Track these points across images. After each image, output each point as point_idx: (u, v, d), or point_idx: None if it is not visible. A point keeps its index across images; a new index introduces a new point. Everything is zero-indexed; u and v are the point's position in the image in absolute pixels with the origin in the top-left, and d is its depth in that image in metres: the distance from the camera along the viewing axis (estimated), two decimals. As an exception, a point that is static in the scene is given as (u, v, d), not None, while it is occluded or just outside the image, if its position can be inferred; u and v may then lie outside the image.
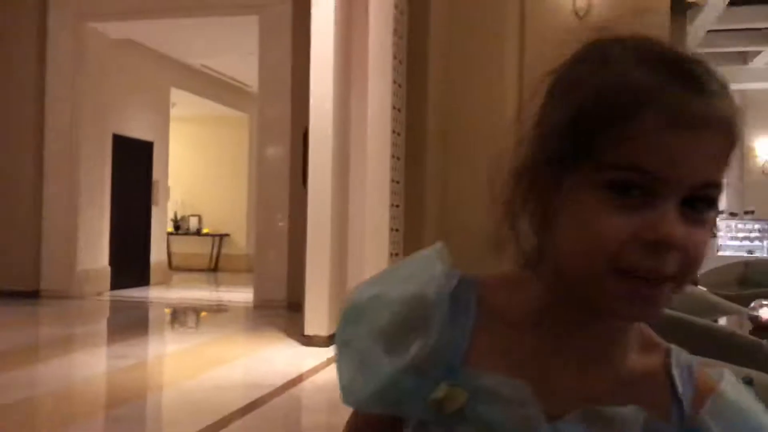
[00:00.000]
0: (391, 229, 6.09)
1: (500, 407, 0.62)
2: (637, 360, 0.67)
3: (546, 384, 0.63)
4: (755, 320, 2.74)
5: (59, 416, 4.05)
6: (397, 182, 6.27)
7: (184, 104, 11.56)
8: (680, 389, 0.66)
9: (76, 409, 4.20)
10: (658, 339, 0.69)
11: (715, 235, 0.65)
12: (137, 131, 9.91)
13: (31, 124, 8.42)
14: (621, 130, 0.58)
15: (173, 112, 11.09)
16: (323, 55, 5.62)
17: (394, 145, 6.10)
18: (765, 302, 2.79)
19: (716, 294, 3.76)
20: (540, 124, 0.64)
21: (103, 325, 7.55)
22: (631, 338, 0.66)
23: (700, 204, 0.59)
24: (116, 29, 8.75)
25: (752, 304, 2.78)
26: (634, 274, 0.58)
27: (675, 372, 0.67)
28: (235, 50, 9.65)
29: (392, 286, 0.68)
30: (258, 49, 8.22)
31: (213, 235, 13.22)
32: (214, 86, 11.69)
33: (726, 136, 0.60)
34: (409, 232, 6.45)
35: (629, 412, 0.63)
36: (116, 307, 8.48)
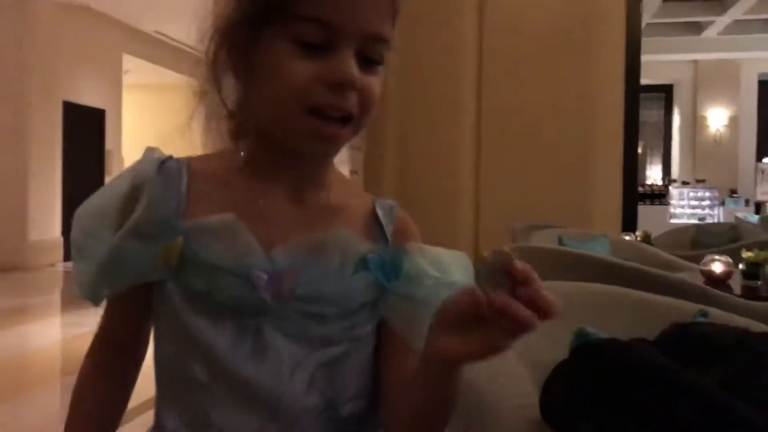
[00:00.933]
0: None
1: (213, 241, 0.70)
2: (345, 198, 0.77)
3: (261, 220, 0.72)
4: (708, 275, 2.82)
5: (14, 384, 3.98)
6: (359, 149, 6.23)
7: (137, 71, 11.27)
8: (383, 221, 0.77)
9: (32, 377, 4.14)
10: (363, 191, 0.81)
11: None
12: (88, 98, 9.64)
13: (-23, 91, 8.12)
14: None
15: (126, 79, 10.81)
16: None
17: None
18: (717, 258, 2.86)
19: (671, 253, 3.86)
20: None
21: (56, 296, 7.39)
22: (333, 179, 0.77)
23: (373, 56, 0.69)
24: (64, -8, 8.46)
25: (704, 260, 2.86)
26: (322, 113, 0.67)
27: (378, 209, 0.78)
28: (190, 15, 9.41)
29: (110, 186, 0.77)
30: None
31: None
32: (169, 53, 11.42)
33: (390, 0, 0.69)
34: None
35: (340, 234, 0.72)
36: (69, 277, 8.30)
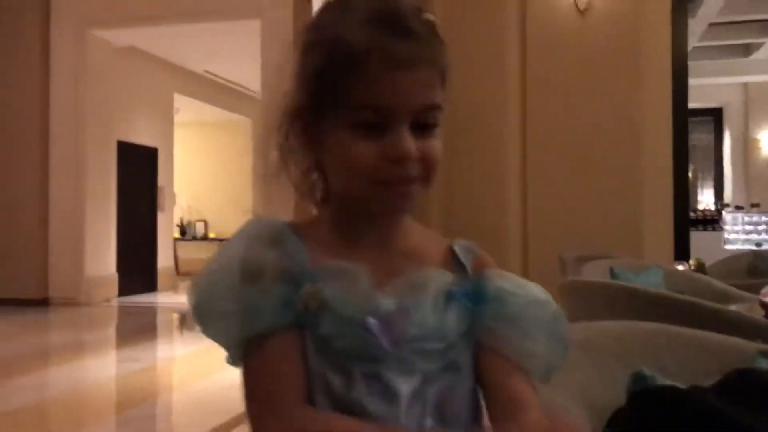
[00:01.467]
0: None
1: (340, 287, 0.75)
2: (425, 243, 0.84)
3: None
4: (766, 306, 2.74)
5: (71, 419, 4.07)
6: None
7: (187, 110, 11.59)
8: (462, 259, 0.83)
9: (88, 412, 4.21)
10: (441, 236, 0.87)
11: None
12: (142, 137, 9.94)
13: (36, 133, 8.45)
14: (352, 77, 0.74)
15: (177, 117, 11.12)
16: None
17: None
18: (775, 288, 2.78)
19: (727, 284, 3.76)
20: (299, 74, 0.80)
21: (112, 331, 7.56)
22: (412, 228, 0.84)
23: (427, 123, 0.77)
24: (118, 36, 8.78)
25: (763, 290, 2.77)
26: (389, 182, 0.75)
27: (457, 249, 0.85)
28: (237, 55, 9.67)
29: (227, 250, 0.79)
30: (260, 53, 8.24)
31: (219, 240, 13.23)
32: (217, 91, 11.72)
33: (434, 69, 0.77)
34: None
35: (429, 271, 0.79)
36: (124, 312, 8.50)
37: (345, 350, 0.74)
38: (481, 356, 0.79)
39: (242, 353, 0.77)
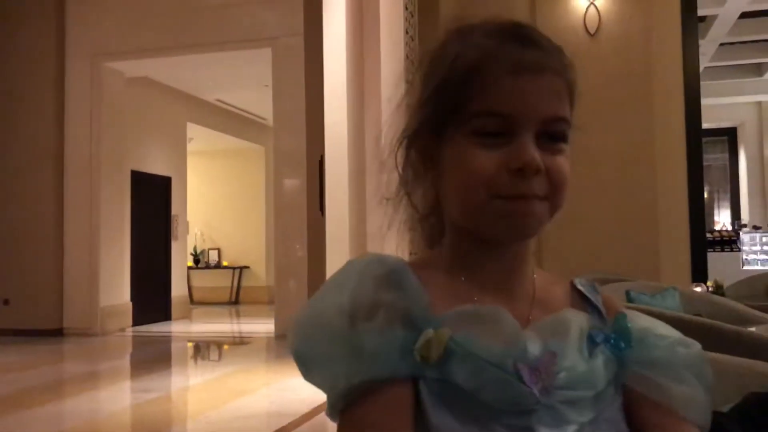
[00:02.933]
0: (410, 253, 6.07)
1: (479, 331, 0.68)
2: (547, 285, 0.78)
3: None
4: (786, 327, 2.69)
5: (85, 451, 4.04)
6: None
7: (200, 139, 11.69)
8: (592, 299, 0.78)
9: (102, 444, 4.19)
10: (560, 277, 0.81)
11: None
12: (155, 167, 10.02)
13: (52, 163, 8.54)
14: (475, 84, 0.70)
15: (190, 146, 11.22)
16: (336, 85, 5.66)
17: (410, 169, 6.10)
18: (795, 309, 2.73)
19: (746, 305, 3.70)
20: (419, 97, 0.76)
21: (126, 361, 7.55)
22: (532, 270, 0.77)
23: (554, 137, 0.72)
24: (131, 67, 8.90)
25: (782, 312, 2.73)
26: (509, 197, 0.70)
27: (581, 287, 0.79)
28: (249, 83, 9.76)
29: (337, 288, 0.70)
30: (272, 81, 8.31)
31: (233, 268, 13.25)
32: (229, 120, 11.82)
33: (560, 79, 0.73)
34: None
35: (570, 313, 0.74)
36: (139, 342, 8.49)
37: (486, 403, 0.66)
38: (636, 406, 0.73)
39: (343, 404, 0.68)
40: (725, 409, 1.01)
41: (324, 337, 0.68)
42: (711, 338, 1.98)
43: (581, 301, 0.78)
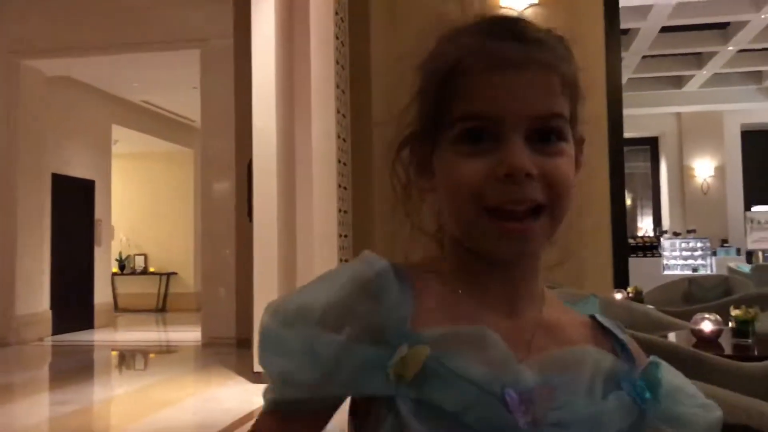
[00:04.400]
0: (340, 260, 6.04)
1: (464, 352, 0.62)
2: (559, 313, 0.71)
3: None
4: (698, 334, 2.77)
5: (-6, 469, 3.85)
6: (345, 212, 6.23)
7: (126, 141, 11.36)
8: (620, 336, 0.71)
9: (13, 460, 4.00)
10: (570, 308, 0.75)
11: (578, 167, 0.70)
12: (77, 170, 9.67)
13: (-35, 166, 8.15)
14: (457, 86, 0.65)
15: (115, 149, 10.89)
16: (265, 87, 5.59)
17: (340, 174, 6.07)
18: (707, 316, 2.82)
19: (662, 311, 3.82)
20: (410, 103, 0.71)
21: (44, 372, 7.25)
22: (541, 291, 0.71)
23: (551, 136, 0.65)
24: (52, 66, 8.57)
25: (694, 318, 2.82)
26: (502, 209, 0.64)
27: (605, 323, 0.72)
28: (177, 85, 9.55)
29: (323, 283, 0.66)
30: (200, 83, 8.15)
31: (160, 274, 12.92)
32: (157, 122, 11.54)
33: (551, 72, 0.66)
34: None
35: (589, 350, 0.67)
36: (59, 352, 8.17)
37: (473, 427, 0.61)
38: None
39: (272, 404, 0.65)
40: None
41: (290, 330, 0.64)
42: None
43: (603, 336, 0.71)
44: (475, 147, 0.64)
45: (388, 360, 0.61)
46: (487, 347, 0.63)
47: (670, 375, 0.69)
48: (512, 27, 0.67)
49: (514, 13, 0.72)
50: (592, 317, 0.73)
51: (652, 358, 0.70)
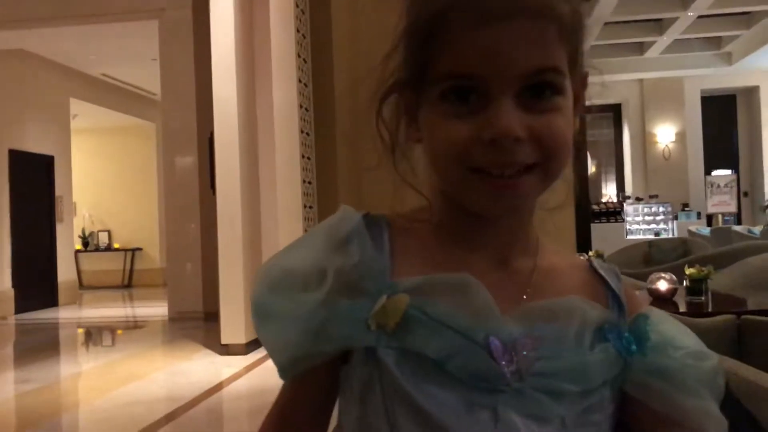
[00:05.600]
0: (305, 230, 6.03)
1: (446, 300, 0.61)
2: (555, 261, 0.69)
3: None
4: (654, 293, 2.84)
5: (-43, 447, 3.82)
6: (309, 183, 6.21)
7: (86, 115, 11.13)
8: (613, 285, 0.69)
9: (-23, 438, 3.97)
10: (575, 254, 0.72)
11: (577, 108, 0.66)
12: (36, 145, 9.47)
13: None
14: (439, 40, 0.60)
15: (75, 123, 10.66)
16: (224, 58, 5.50)
17: (303, 145, 6.03)
18: (662, 275, 2.89)
19: (622, 273, 3.89)
20: (392, 48, 0.66)
21: (8, 350, 7.15)
22: (535, 244, 0.69)
23: (545, 91, 0.60)
24: (5, 39, 8.33)
25: (650, 278, 2.88)
26: (488, 171, 0.60)
27: (601, 270, 0.71)
28: (136, 57, 9.36)
29: (302, 243, 0.67)
30: (159, 55, 8.00)
31: (125, 250, 12.78)
32: (116, 95, 11.31)
33: (543, 21, 0.59)
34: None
35: (576, 300, 0.65)
36: (22, 330, 8.07)
37: (455, 374, 0.60)
38: (642, 417, 0.66)
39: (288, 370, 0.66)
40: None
41: (276, 295, 0.63)
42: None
43: (600, 286, 0.70)
44: (460, 107, 0.60)
45: (369, 311, 0.61)
46: (470, 295, 0.62)
47: (663, 326, 0.68)
48: None
49: None
50: (590, 263, 0.71)
51: (642, 309, 0.69)
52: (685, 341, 0.68)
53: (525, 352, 0.61)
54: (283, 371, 0.66)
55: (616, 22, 11.16)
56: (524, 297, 0.65)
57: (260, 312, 0.65)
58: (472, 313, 0.61)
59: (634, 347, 0.66)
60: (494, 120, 0.58)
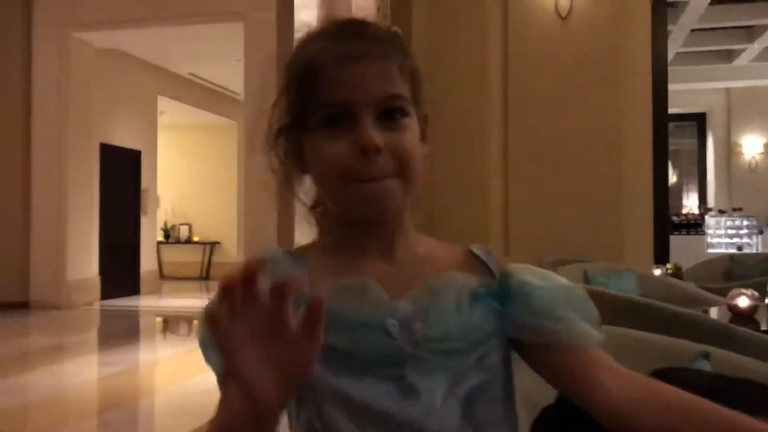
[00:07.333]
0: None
1: (350, 299, 0.77)
2: (435, 251, 0.85)
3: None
4: (734, 309, 2.78)
5: (51, 421, 4.06)
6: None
7: (172, 112, 11.56)
8: (484, 258, 0.84)
9: (67, 414, 4.21)
10: (457, 244, 0.89)
11: (426, 135, 0.85)
12: (125, 140, 9.91)
13: (19, 136, 8.42)
14: (313, 81, 0.78)
15: (161, 120, 11.09)
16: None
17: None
18: (743, 291, 2.82)
19: (702, 287, 3.80)
20: (277, 98, 0.84)
21: (93, 334, 7.53)
22: (420, 240, 0.85)
23: (395, 114, 0.78)
24: (101, 39, 8.76)
25: (730, 294, 2.82)
26: (359, 179, 0.76)
27: (477, 251, 0.85)
28: (221, 58, 9.66)
29: None
30: (244, 56, 8.24)
31: (204, 243, 13.20)
32: (202, 94, 11.70)
33: (388, 62, 0.78)
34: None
35: (449, 275, 0.81)
36: (106, 316, 8.46)
37: (365, 358, 0.75)
38: (539, 354, 0.79)
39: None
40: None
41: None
42: (655, 318, 2.05)
43: (475, 261, 0.84)
44: (335, 130, 0.77)
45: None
46: (366, 291, 0.77)
47: (524, 275, 0.81)
48: (352, 28, 0.81)
49: (360, 16, 0.84)
50: (469, 249, 0.86)
51: (505, 268, 0.83)
52: (547, 281, 0.81)
53: (417, 326, 0.76)
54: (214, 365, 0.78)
55: (704, 29, 10.83)
56: (410, 282, 0.79)
57: (202, 348, 0.79)
58: (370, 305, 0.76)
59: (503, 299, 0.80)
60: (361, 135, 0.75)
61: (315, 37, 0.81)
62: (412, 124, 0.79)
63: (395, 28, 0.84)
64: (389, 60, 0.79)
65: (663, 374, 1.03)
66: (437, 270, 0.81)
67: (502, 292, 0.80)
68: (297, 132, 0.81)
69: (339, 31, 0.81)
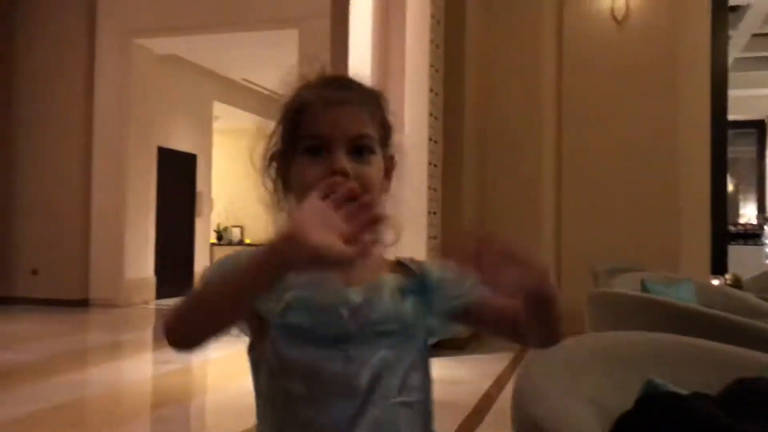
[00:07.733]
0: (429, 237, 6.13)
1: (313, 290, 0.94)
2: (381, 261, 1.03)
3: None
4: (798, 321, 2.71)
5: (108, 416, 4.17)
6: (435, 189, 6.31)
7: (226, 117, 11.78)
8: (410, 265, 1.03)
9: (124, 410, 4.32)
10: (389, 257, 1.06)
11: (390, 173, 1.07)
12: (181, 144, 10.15)
13: (81, 138, 8.70)
14: (302, 118, 0.98)
15: (216, 125, 11.32)
16: (361, 67, 5.70)
17: (431, 152, 6.14)
18: (808, 303, 2.75)
19: (762, 298, 3.71)
20: (275, 129, 1.04)
21: (149, 332, 7.71)
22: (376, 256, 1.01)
23: (363, 151, 0.97)
24: (161, 45, 9.00)
25: (795, 305, 2.75)
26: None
27: (404, 260, 1.04)
28: (275, 64, 9.81)
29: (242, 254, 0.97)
30: (297, 62, 8.35)
31: (255, 246, 13.36)
32: (255, 99, 11.90)
33: (363, 108, 0.99)
34: (447, 238, 6.46)
35: (387, 277, 1.00)
36: (161, 315, 8.65)
37: (321, 334, 0.93)
38: (474, 316, 0.99)
39: None
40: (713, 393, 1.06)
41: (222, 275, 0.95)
42: (719, 329, 2.02)
43: (402, 268, 1.04)
44: (315, 158, 0.96)
45: (276, 301, 0.93)
46: (327, 284, 0.94)
47: (434, 267, 1.00)
48: (340, 81, 1.01)
49: (346, 74, 1.05)
50: (398, 259, 1.04)
51: (422, 269, 1.01)
52: (444, 272, 0.98)
53: (363, 312, 0.94)
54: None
55: (765, 34, 10.56)
56: (360, 279, 0.96)
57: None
58: (329, 295, 0.94)
59: (422, 289, 0.99)
60: (334, 162, 0.94)
61: (308, 85, 1.01)
62: (377, 160, 0.99)
63: (377, 88, 1.04)
64: (364, 108, 0.99)
65: (749, 383, 1.02)
66: (378, 271, 1.00)
67: (421, 284, 1.00)
68: (286, 157, 1.01)
69: (330, 82, 1.01)
